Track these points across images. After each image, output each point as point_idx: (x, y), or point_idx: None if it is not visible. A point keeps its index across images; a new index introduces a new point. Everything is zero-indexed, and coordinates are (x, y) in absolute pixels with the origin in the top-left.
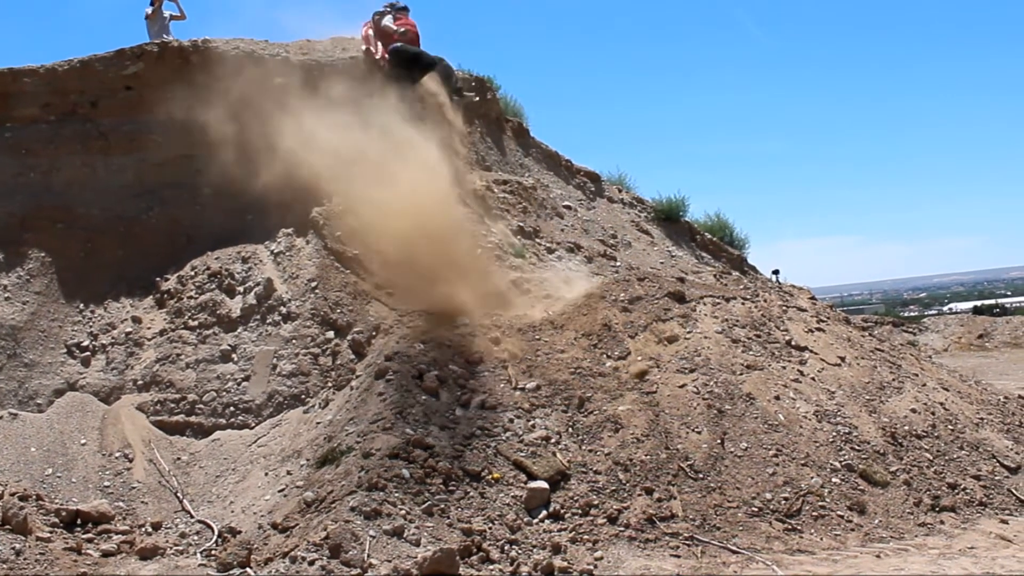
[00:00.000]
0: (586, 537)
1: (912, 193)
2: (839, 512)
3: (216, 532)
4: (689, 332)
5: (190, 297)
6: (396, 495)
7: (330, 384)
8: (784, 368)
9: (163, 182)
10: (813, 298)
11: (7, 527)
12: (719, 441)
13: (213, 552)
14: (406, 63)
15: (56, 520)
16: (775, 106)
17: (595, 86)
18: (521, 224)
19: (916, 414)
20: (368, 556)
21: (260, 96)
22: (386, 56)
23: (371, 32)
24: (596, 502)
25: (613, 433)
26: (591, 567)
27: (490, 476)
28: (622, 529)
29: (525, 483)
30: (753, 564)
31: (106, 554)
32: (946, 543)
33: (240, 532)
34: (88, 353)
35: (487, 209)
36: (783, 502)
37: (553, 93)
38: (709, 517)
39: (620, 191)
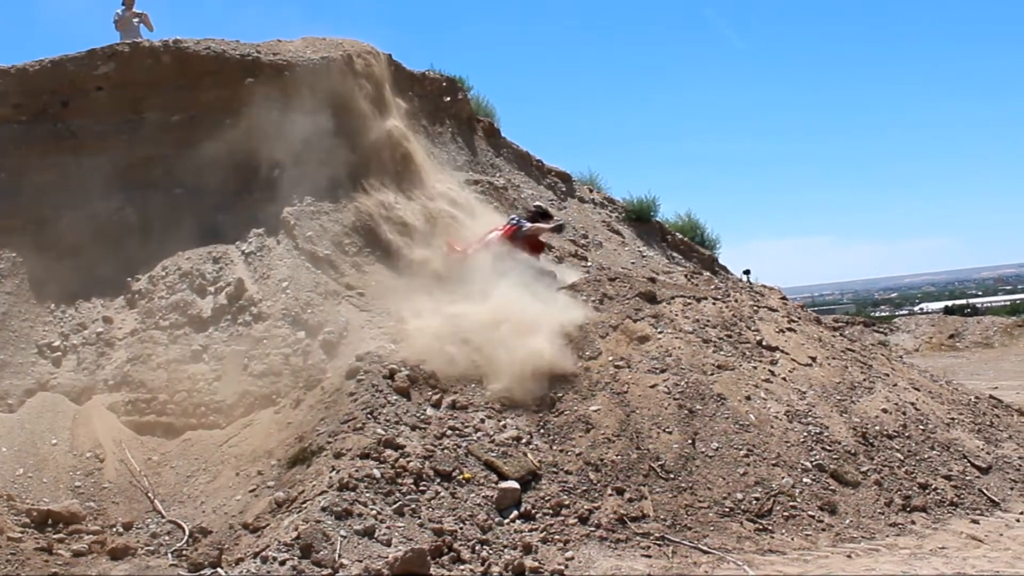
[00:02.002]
0: (557, 537)
1: (884, 193)
2: (810, 512)
3: (187, 532)
4: (660, 332)
5: (161, 297)
6: (367, 495)
7: (301, 384)
8: (755, 368)
9: (134, 182)
10: (784, 298)
11: None
12: (690, 441)
13: (184, 552)
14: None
15: (27, 520)
16: (746, 106)
17: (566, 86)
18: (492, 224)
19: (887, 414)
20: (339, 556)
21: (232, 96)
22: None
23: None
24: (567, 502)
25: (584, 433)
26: (562, 567)
27: (461, 476)
28: (593, 529)
29: (496, 483)
30: (724, 564)
31: (77, 554)
32: (917, 543)
33: (211, 532)
34: (59, 353)
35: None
36: (754, 502)
37: (524, 93)
38: (680, 517)
39: (591, 191)
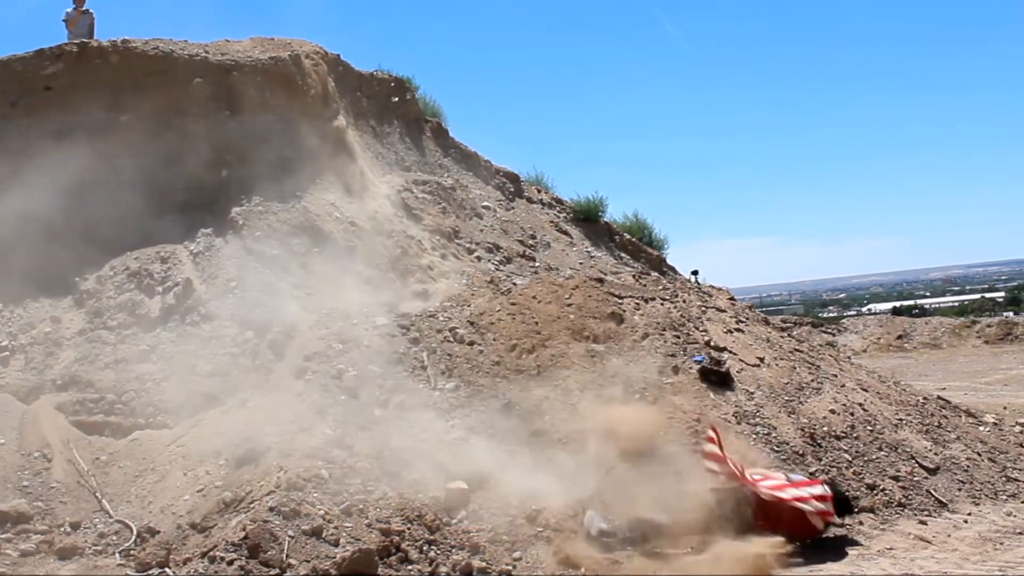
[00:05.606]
0: (505, 537)
1: (830, 193)
2: None
3: (135, 532)
4: None
5: (109, 297)
6: (315, 495)
7: (249, 384)
8: None
9: (83, 182)
10: (732, 299)
11: None
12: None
13: (132, 552)
14: None
15: None
16: (693, 106)
17: (513, 86)
18: (440, 224)
19: (835, 415)
20: (287, 556)
21: (180, 95)
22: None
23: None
24: (515, 502)
25: (533, 435)
26: (510, 567)
27: (410, 477)
28: (541, 529)
29: (444, 483)
30: (672, 563)
31: (25, 554)
32: (865, 544)
33: (159, 532)
34: (7, 353)
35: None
36: None
37: (472, 93)
38: None
39: (539, 191)
